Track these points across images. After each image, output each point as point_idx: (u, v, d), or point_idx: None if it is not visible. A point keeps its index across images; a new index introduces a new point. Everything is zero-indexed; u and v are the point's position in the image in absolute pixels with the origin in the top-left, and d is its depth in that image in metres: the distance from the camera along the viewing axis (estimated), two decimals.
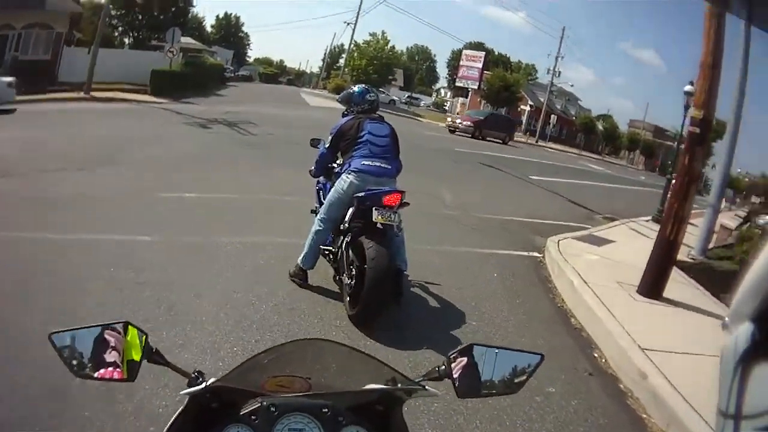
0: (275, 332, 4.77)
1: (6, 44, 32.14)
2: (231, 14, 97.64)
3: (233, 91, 44.55)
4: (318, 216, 5.96)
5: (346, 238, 5.60)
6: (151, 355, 1.48)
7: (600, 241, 10.79)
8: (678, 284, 8.36)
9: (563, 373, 5.06)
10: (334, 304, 5.63)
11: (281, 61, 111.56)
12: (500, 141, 39.31)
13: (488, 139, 37.79)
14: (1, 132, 14.16)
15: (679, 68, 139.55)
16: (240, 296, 5.46)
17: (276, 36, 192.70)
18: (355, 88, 6.53)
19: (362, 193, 5.48)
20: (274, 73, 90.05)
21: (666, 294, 7.56)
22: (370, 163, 5.64)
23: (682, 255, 9.26)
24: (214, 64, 50.11)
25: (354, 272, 5.32)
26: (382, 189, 5.49)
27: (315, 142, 6.86)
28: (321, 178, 6.66)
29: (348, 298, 5.41)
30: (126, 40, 57.16)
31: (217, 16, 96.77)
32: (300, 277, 5.93)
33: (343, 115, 6.26)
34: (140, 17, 56.39)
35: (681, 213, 7.51)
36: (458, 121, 38.93)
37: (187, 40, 54.32)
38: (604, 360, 5.67)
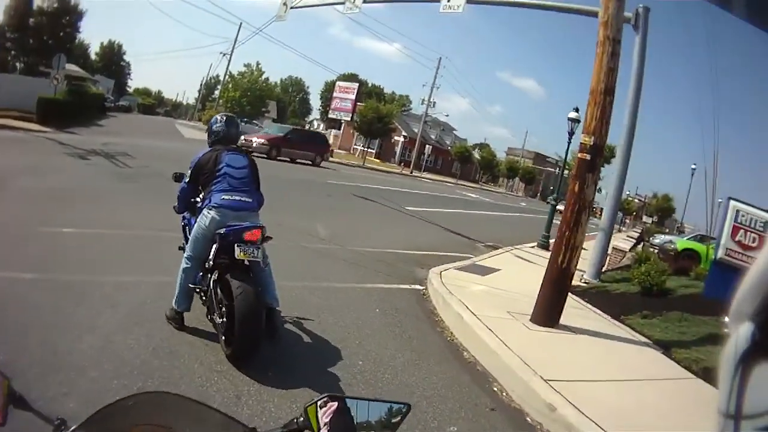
0: (156, 378, 4.44)
1: None
2: (114, 42, 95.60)
3: (113, 121, 43.83)
4: (185, 254, 5.69)
5: (213, 276, 5.39)
6: (16, 400, 1.41)
7: (485, 270, 10.63)
8: (574, 309, 8.37)
9: (464, 410, 4.92)
10: (212, 346, 5.27)
11: (159, 92, 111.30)
12: (309, 162, 35.22)
13: (297, 161, 34.31)
14: None
15: (560, 95, 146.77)
16: (119, 339, 5.08)
17: (155, 65, 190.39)
18: (217, 116, 6.35)
19: (223, 230, 5.32)
20: (152, 104, 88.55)
21: (563, 321, 7.45)
22: (229, 197, 5.48)
23: (575, 279, 9.10)
24: (96, 94, 48.84)
25: (224, 310, 5.15)
26: (242, 225, 5.33)
27: (178, 176, 6.56)
28: (186, 214, 6.37)
29: (223, 337, 5.18)
30: (17, 65, 54.62)
31: (102, 44, 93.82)
32: (176, 321, 5.55)
33: (209, 146, 6.09)
34: (31, 41, 53.71)
35: (573, 241, 7.49)
36: (253, 139, 32.51)
37: (72, 68, 52.60)
38: (505, 393, 5.48)
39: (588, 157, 7.44)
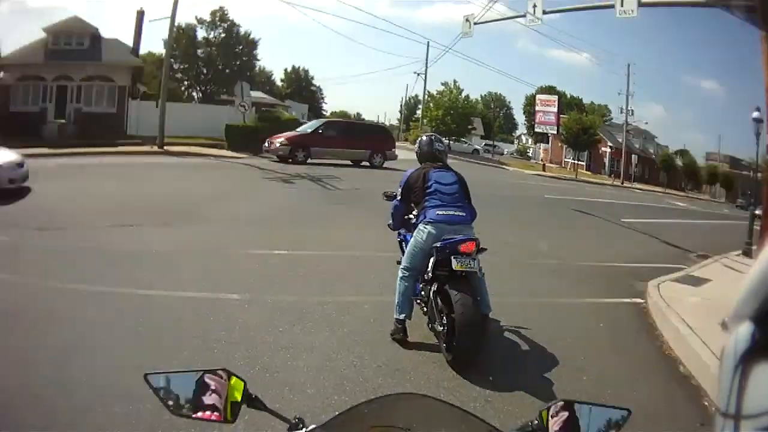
0: (380, 395, 4.80)
1: (66, 96, 34.14)
2: (299, 67, 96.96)
3: None
4: (401, 266, 6.14)
5: (432, 287, 5.79)
6: (251, 400, 1.58)
7: (698, 281, 10.61)
8: None
9: (675, 424, 5.00)
10: (438, 362, 5.62)
11: (359, 114, 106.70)
12: (366, 163, 29.36)
13: (323, 163, 27.60)
14: (72, 182, 15.39)
15: (743, 93, 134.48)
16: (340, 357, 5.52)
17: (346, 89, 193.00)
18: (423, 137, 6.88)
19: (439, 243, 5.69)
20: None
21: None
22: (443, 212, 5.85)
23: None
24: (290, 119, 48.32)
25: (445, 320, 5.52)
26: (457, 237, 5.68)
27: (389, 195, 7.16)
28: (401, 230, 6.88)
29: (444, 345, 5.60)
30: (194, 95, 58.83)
31: (285, 70, 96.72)
32: (400, 332, 5.98)
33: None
34: (205, 71, 58.04)
35: None
36: (275, 141, 27.67)
37: (258, 95, 54.66)
38: (714, 409, 5.60)
39: None
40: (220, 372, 1.56)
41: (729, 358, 1.36)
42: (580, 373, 5.78)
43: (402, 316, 5.96)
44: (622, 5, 17.26)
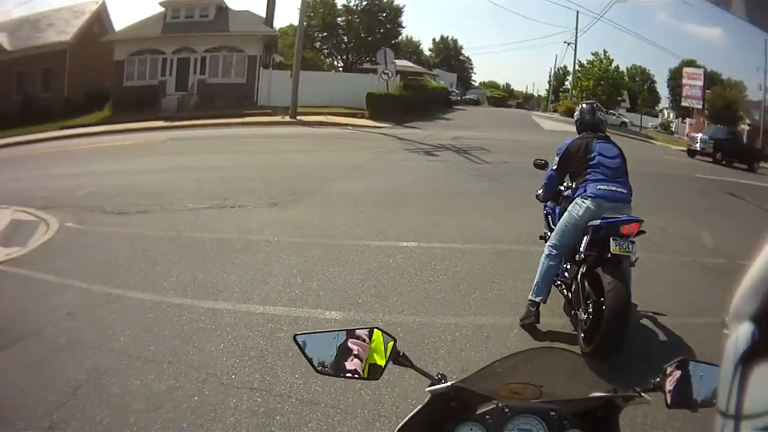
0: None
1: (188, 68, 34.38)
2: (448, 37, 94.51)
3: (461, 114, 43.00)
4: (548, 243, 5.70)
5: (581, 269, 5.31)
6: (398, 357, 1.63)
7: None
8: None
9: None
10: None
11: (508, 84, 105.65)
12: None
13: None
14: (179, 157, 14.77)
15: None
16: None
17: (495, 59, 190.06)
18: (584, 105, 6.32)
19: (598, 221, 5.22)
20: (502, 97, 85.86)
21: None
22: (605, 187, 5.38)
23: None
24: (437, 87, 48.39)
25: (590, 307, 5.03)
26: (620, 217, 5.18)
27: (540, 163, 6.79)
28: (549, 203, 6.48)
29: (582, 335, 5.11)
30: (337, 64, 58.16)
31: (434, 40, 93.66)
32: (532, 316, 5.45)
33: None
34: (346, 40, 57.11)
35: None
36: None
37: (404, 63, 53.70)
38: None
39: None
40: (365, 332, 1.61)
41: (729, 358, 1.19)
42: None
43: (539, 299, 5.49)
44: None
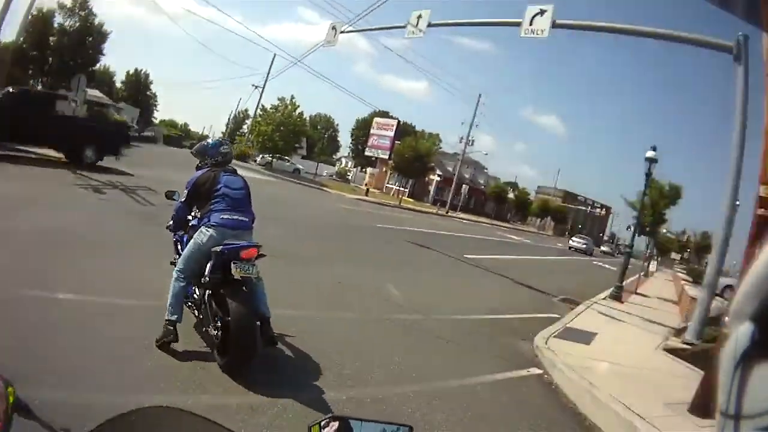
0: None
1: None
2: (141, 70, 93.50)
3: (136, 151, 39.99)
4: (176, 268, 5.84)
5: (207, 291, 5.63)
6: (20, 408, 1.38)
7: (584, 336, 9.72)
8: None
9: None
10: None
11: (185, 124, 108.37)
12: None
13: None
14: None
15: (581, 130, 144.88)
16: None
17: (182, 97, 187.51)
18: (209, 141, 6.70)
19: (220, 247, 5.54)
20: (179, 136, 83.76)
21: None
22: (228, 216, 5.74)
23: (675, 341, 9.32)
24: (119, 121, 45.40)
25: (219, 324, 5.37)
26: (239, 243, 5.58)
27: (170, 194, 7.00)
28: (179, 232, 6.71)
29: (216, 349, 5.42)
30: (39, 86, 52.24)
31: (128, 72, 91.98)
32: (170, 334, 5.44)
33: (197, 168, 6.35)
34: (50, 60, 53.60)
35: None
36: None
37: (94, 93, 51.01)
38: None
39: None
40: None
41: (729, 358, 1.22)
42: None
43: (174, 317, 5.55)
44: (531, 23, 15.72)
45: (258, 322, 5.47)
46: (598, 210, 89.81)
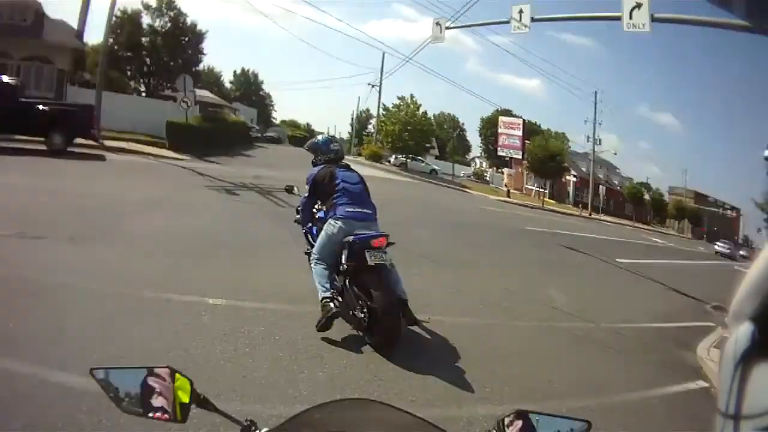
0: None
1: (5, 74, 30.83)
2: (249, 70, 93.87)
3: (262, 152, 41.06)
4: (312, 257, 6.42)
5: (347, 278, 6.14)
6: (199, 400, 1.50)
7: None
8: None
9: None
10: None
11: (308, 124, 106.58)
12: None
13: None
14: None
15: (697, 130, 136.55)
16: None
17: (295, 97, 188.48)
18: (320, 138, 7.35)
19: (351, 238, 6.06)
20: (304, 137, 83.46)
21: None
22: (352, 209, 6.29)
23: None
24: (238, 122, 47.45)
25: (364, 308, 5.84)
26: (369, 233, 6.08)
27: (290, 188, 7.85)
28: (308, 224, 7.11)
29: (364, 330, 5.93)
30: (140, 88, 54.79)
31: (235, 72, 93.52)
32: (329, 310, 5.83)
33: (313, 164, 6.94)
34: (148, 62, 53.58)
35: None
36: None
37: (204, 93, 52.24)
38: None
39: None
40: (164, 371, 1.49)
41: (729, 358, 1.24)
42: None
43: (329, 293, 5.99)
44: (630, 18, 15.31)
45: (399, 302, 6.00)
46: (729, 211, 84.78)
